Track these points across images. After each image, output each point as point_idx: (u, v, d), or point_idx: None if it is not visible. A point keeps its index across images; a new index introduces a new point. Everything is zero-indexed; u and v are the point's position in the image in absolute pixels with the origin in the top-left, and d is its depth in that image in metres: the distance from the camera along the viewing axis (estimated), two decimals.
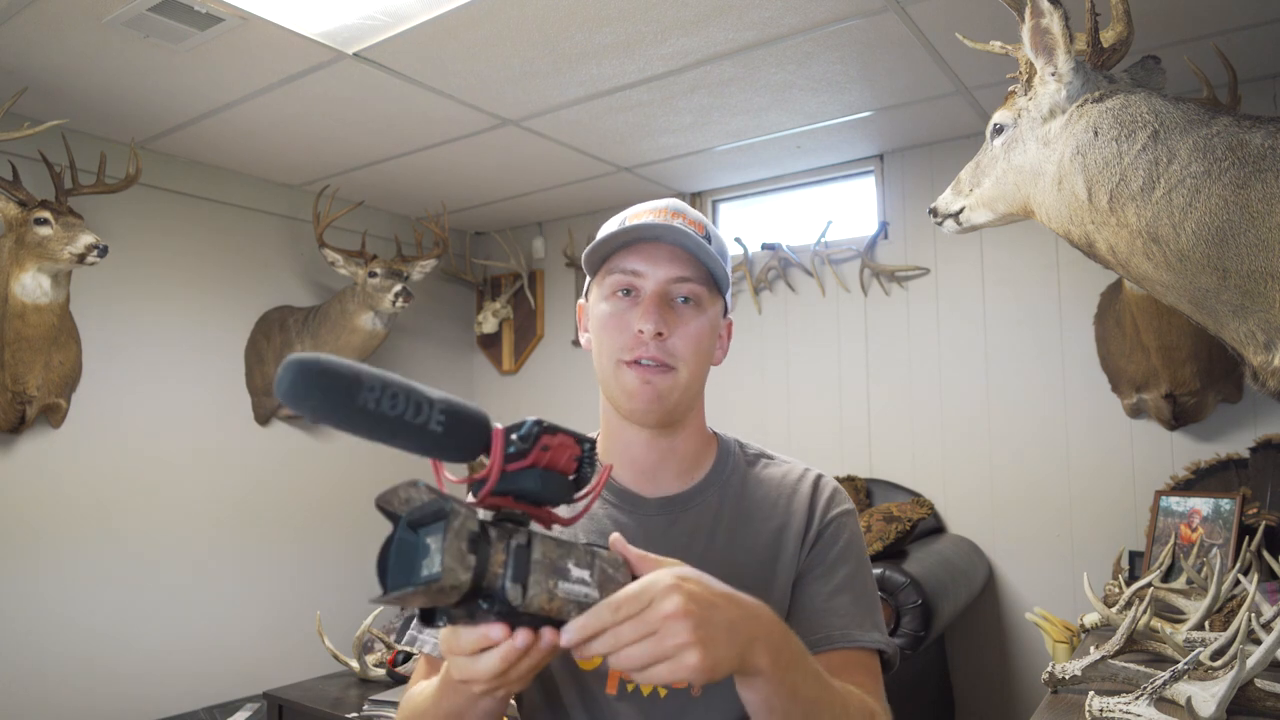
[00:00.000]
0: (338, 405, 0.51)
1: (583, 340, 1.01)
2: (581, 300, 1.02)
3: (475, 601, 0.55)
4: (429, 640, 0.96)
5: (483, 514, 0.58)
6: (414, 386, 0.55)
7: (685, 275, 0.92)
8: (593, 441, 0.63)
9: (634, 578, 0.63)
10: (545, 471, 0.59)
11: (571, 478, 0.62)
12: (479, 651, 0.59)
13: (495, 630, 0.56)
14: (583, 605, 0.58)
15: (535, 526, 0.60)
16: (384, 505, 0.57)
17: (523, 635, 0.57)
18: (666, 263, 0.91)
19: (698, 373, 0.94)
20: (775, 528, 0.96)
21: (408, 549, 0.56)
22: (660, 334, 0.89)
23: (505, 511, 0.59)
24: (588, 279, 0.99)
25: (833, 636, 0.89)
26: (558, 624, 0.58)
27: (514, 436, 0.59)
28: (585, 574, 0.58)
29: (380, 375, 0.53)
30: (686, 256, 0.92)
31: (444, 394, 0.56)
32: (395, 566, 0.56)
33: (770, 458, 1.03)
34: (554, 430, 0.60)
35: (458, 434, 0.56)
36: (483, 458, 0.58)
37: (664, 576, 0.60)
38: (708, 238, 0.95)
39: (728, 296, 1.00)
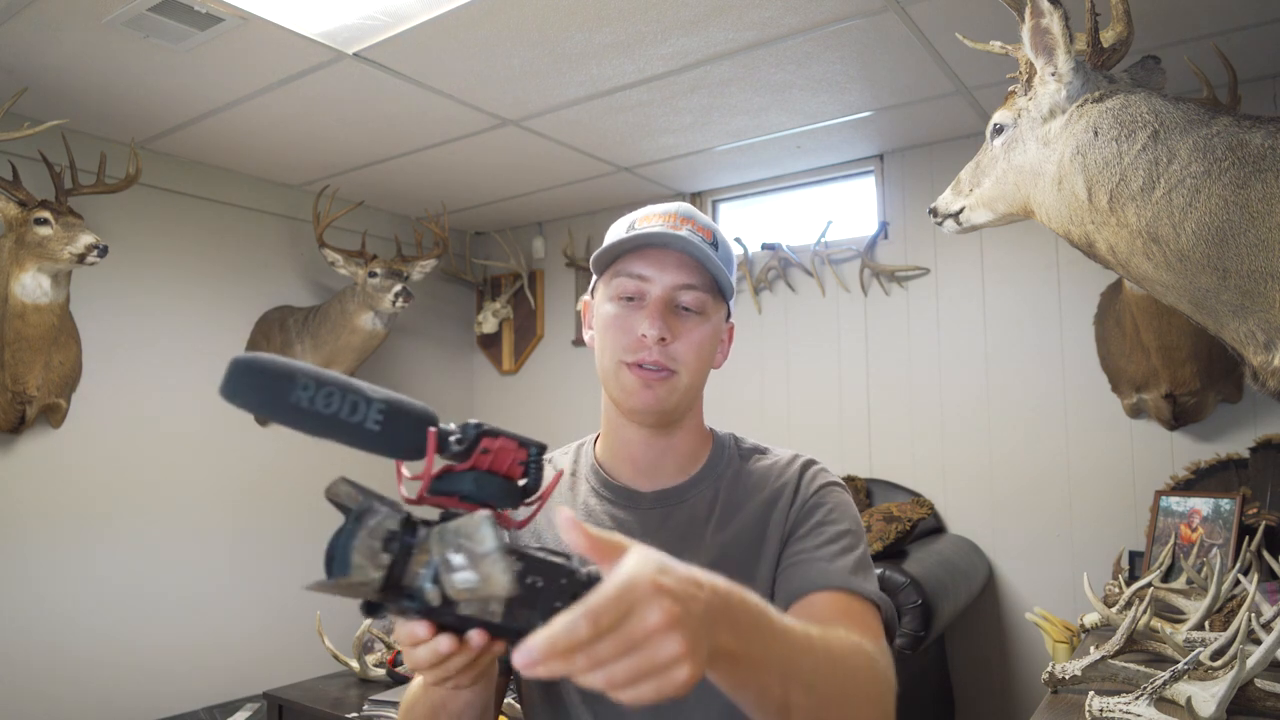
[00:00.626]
0: (272, 401, 0.53)
1: (586, 337, 1.03)
2: (587, 297, 1.03)
3: (400, 600, 0.55)
4: None
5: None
6: (353, 385, 0.55)
7: (691, 283, 0.93)
8: (541, 447, 0.62)
9: (564, 555, 0.56)
10: (481, 474, 0.60)
11: (522, 482, 0.62)
12: (414, 645, 0.59)
13: (419, 629, 0.57)
14: (475, 593, 0.53)
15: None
16: (332, 499, 0.58)
17: (445, 641, 0.57)
18: (673, 269, 0.93)
19: (698, 377, 0.96)
20: (762, 507, 0.96)
21: (344, 541, 0.56)
22: (663, 339, 0.91)
23: (449, 511, 0.59)
24: (594, 277, 1.00)
25: (818, 581, 0.85)
26: (488, 625, 0.56)
27: (451, 439, 0.59)
28: (459, 558, 0.53)
29: (316, 374, 0.54)
30: (693, 264, 0.93)
31: (388, 393, 0.57)
32: (335, 558, 0.56)
33: (764, 451, 1.04)
34: (494, 434, 0.60)
35: (395, 432, 0.56)
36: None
37: (643, 573, 0.50)
38: (715, 244, 0.96)
39: (731, 302, 1.01)
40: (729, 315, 1.02)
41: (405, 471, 0.61)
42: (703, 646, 0.51)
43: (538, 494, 0.63)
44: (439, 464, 0.59)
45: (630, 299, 0.94)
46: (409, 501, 0.59)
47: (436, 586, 0.54)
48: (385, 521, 0.55)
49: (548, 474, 1.00)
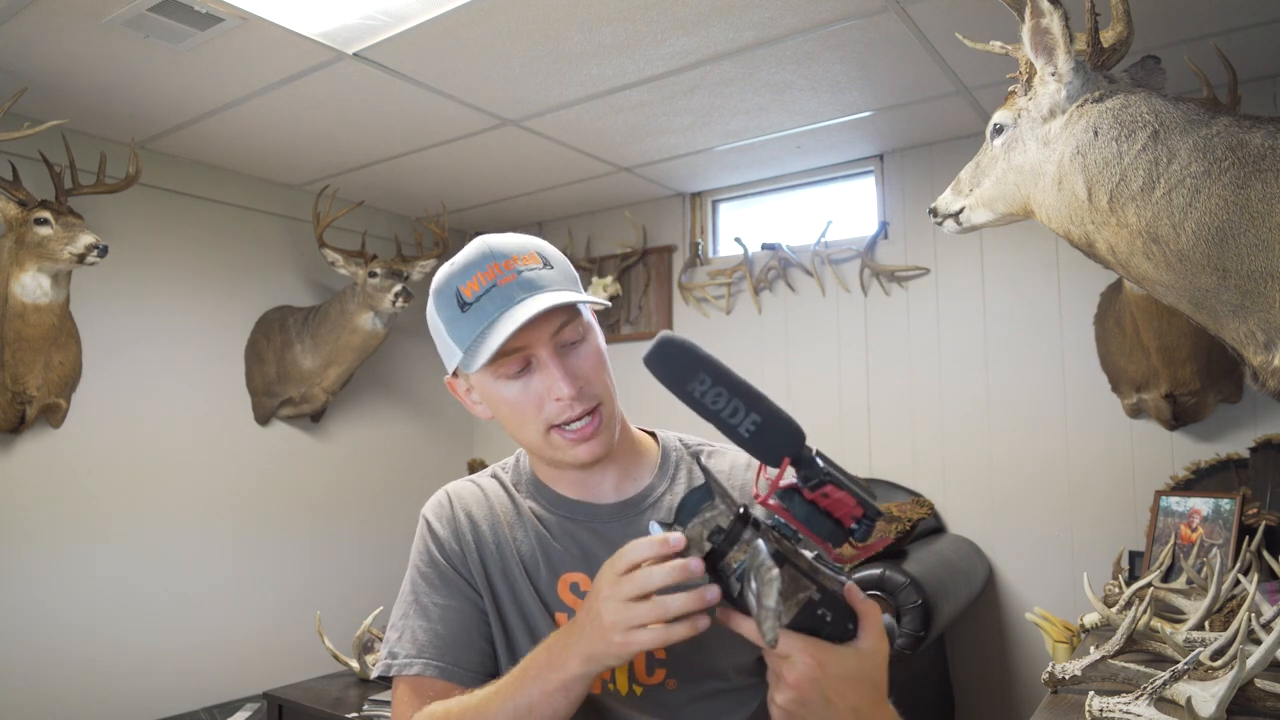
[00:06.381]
0: (674, 383, 0.69)
1: (478, 411, 0.97)
2: (450, 377, 0.96)
3: (712, 571, 0.69)
4: (413, 662, 0.93)
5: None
6: (741, 391, 0.69)
7: (561, 320, 0.89)
8: (877, 512, 0.70)
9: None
10: (813, 509, 0.69)
11: (852, 527, 0.70)
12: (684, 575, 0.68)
13: (696, 565, 0.68)
14: (757, 617, 0.64)
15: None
16: (704, 470, 0.73)
17: (714, 590, 0.69)
18: (540, 319, 0.86)
19: (612, 390, 0.95)
20: None
21: (692, 507, 0.70)
22: (579, 388, 0.89)
23: (779, 521, 0.70)
24: (453, 360, 0.92)
25: None
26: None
27: (801, 471, 0.70)
28: (752, 589, 0.65)
29: (716, 371, 0.69)
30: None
31: (767, 408, 0.70)
32: (683, 512, 0.70)
33: (712, 446, 1.05)
34: (839, 485, 0.69)
35: (760, 444, 0.70)
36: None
37: (811, 665, 0.68)
38: (546, 263, 0.91)
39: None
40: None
41: (766, 474, 0.71)
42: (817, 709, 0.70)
43: (863, 544, 0.72)
44: (788, 475, 0.70)
45: (521, 370, 0.90)
46: (757, 497, 0.71)
47: (739, 583, 0.67)
48: (717, 517, 0.68)
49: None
